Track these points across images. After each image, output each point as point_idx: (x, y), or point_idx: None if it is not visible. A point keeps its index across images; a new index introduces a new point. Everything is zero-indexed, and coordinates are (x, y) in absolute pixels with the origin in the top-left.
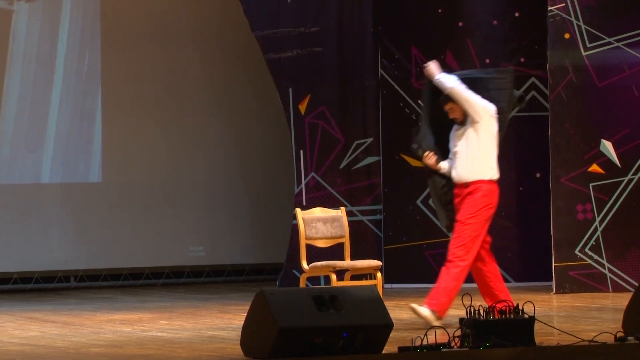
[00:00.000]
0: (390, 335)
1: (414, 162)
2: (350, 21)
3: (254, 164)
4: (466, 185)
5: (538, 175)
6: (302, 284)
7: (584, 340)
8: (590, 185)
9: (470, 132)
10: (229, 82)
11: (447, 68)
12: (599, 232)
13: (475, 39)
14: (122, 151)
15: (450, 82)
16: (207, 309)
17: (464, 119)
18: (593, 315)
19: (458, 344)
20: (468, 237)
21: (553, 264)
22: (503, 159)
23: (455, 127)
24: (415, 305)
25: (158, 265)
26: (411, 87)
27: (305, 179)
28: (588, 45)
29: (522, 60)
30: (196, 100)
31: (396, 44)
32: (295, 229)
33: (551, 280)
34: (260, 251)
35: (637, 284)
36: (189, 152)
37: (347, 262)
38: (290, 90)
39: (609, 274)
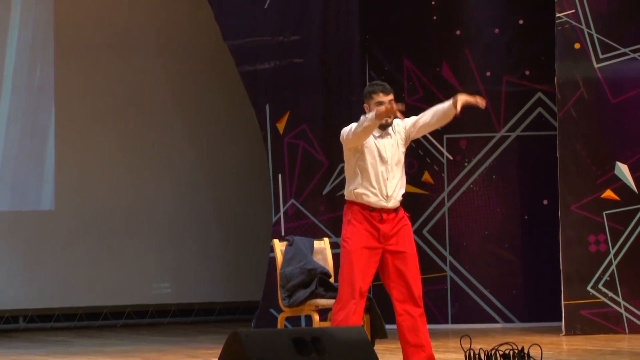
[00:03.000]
0: None
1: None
2: (335, 29)
3: (226, 188)
4: (396, 210)
5: (545, 202)
6: (281, 324)
7: None
8: (604, 213)
9: (399, 145)
10: (199, 97)
11: (442, 81)
12: (613, 266)
13: (475, 49)
14: (77, 174)
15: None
16: (174, 353)
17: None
18: None
19: None
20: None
21: (562, 302)
22: (505, 184)
23: (376, 132)
24: None
25: (118, 304)
26: (404, 100)
27: (284, 207)
28: (601, 56)
29: (527, 73)
30: (161, 117)
31: (386, 55)
32: (272, 262)
33: (560, 320)
34: (233, 288)
35: None
36: (153, 175)
37: (332, 300)
38: (268, 106)
39: (625, 313)
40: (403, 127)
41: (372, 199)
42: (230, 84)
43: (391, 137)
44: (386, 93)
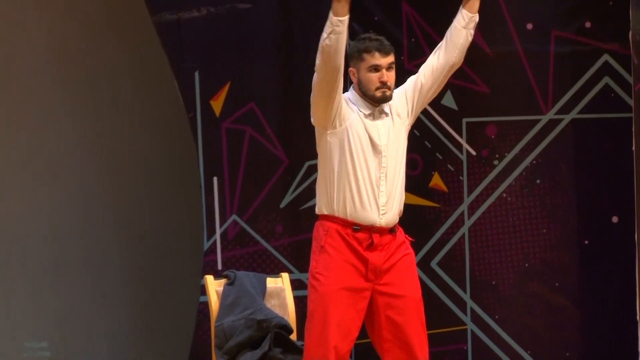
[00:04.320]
0: None
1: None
2: None
3: (133, 201)
4: (392, 230)
5: (615, 219)
6: None
7: None
8: None
9: (399, 129)
10: (89, 62)
11: None
12: None
13: None
14: None
15: None
16: None
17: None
18: None
19: None
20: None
21: None
22: (556, 192)
23: (366, 108)
24: None
25: None
26: (402, 68)
27: (221, 227)
28: None
29: (587, 25)
30: (36, 91)
31: None
32: (204, 310)
33: None
34: (144, 349)
35: None
36: (21, 185)
37: None
38: (197, 75)
39: None
40: (403, 95)
41: (358, 212)
42: (139, 41)
43: (388, 116)
44: (384, 53)
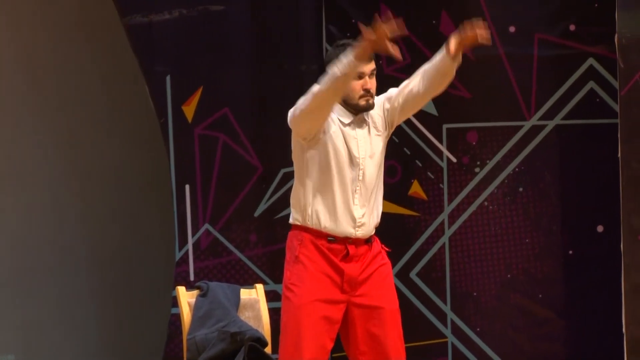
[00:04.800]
0: None
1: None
2: None
3: (102, 209)
4: (368, 241)
5: (600, 228)
6: None
7: None
8: None
9: (377, 139)
10: (57, 65)
11: (440, 41)
12: None
13: None
14: None
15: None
16: None
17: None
18: None
19: None
20: None
21: None
22: (539, 200)
23: (346, 117)
24: None
25: None
26: (381, 73)
27: (193, 236)
28: None
29: (571, 28)
30: (2, 97)
31: (354, 0)
32: (176, 322)
33: None
34: None
35: None
36: None
37: None
38: (168, 79)
39: None
40: (382, 106)
41: (333, 224)
42: (109, 44)
43: (366, 126)
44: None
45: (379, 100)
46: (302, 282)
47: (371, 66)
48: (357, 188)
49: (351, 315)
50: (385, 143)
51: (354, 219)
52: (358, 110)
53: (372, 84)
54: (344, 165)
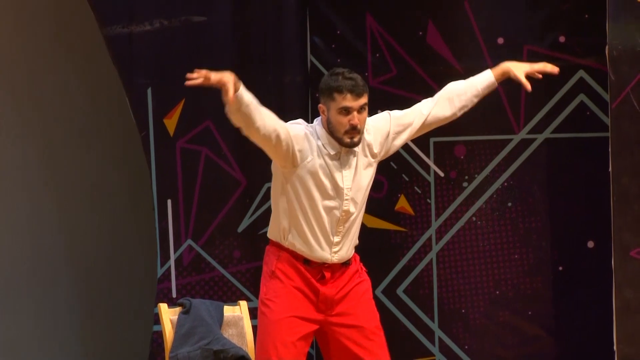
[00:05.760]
0: None
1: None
2: None
3: (80, 222)
4: (346, 264)
5: (590, 244)
6: None
7: None
8: None
9: (367, 168)
10: (36, 77)
11: (427, 53)
12: None
13: (478, 2)
14: None
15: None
16: None
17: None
18: None
19: None
20: None
21: None
22: (528, 215)
23: (332, 148)
24: None
25: None
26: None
27: (175, 252)
28: None
29: (561, 40)
30: None
31: (339, 10)
32: (158, 339)
33: None
34: None
35: None
36: None
37: None
38: (150, 91)
39: None
40: (383, 133)
41: (309, 250)
42: (89, 56)
43: (358, 156)
44: (356, 94)
45: (382, 125)
46: (277, 297)
47: (360, 101)
48: (342, 217)
49: (332, 335)
50: (375, 167)
51: (331, 245)
52: (343, 145)
53: (360, 119)
54: (327, 198)
